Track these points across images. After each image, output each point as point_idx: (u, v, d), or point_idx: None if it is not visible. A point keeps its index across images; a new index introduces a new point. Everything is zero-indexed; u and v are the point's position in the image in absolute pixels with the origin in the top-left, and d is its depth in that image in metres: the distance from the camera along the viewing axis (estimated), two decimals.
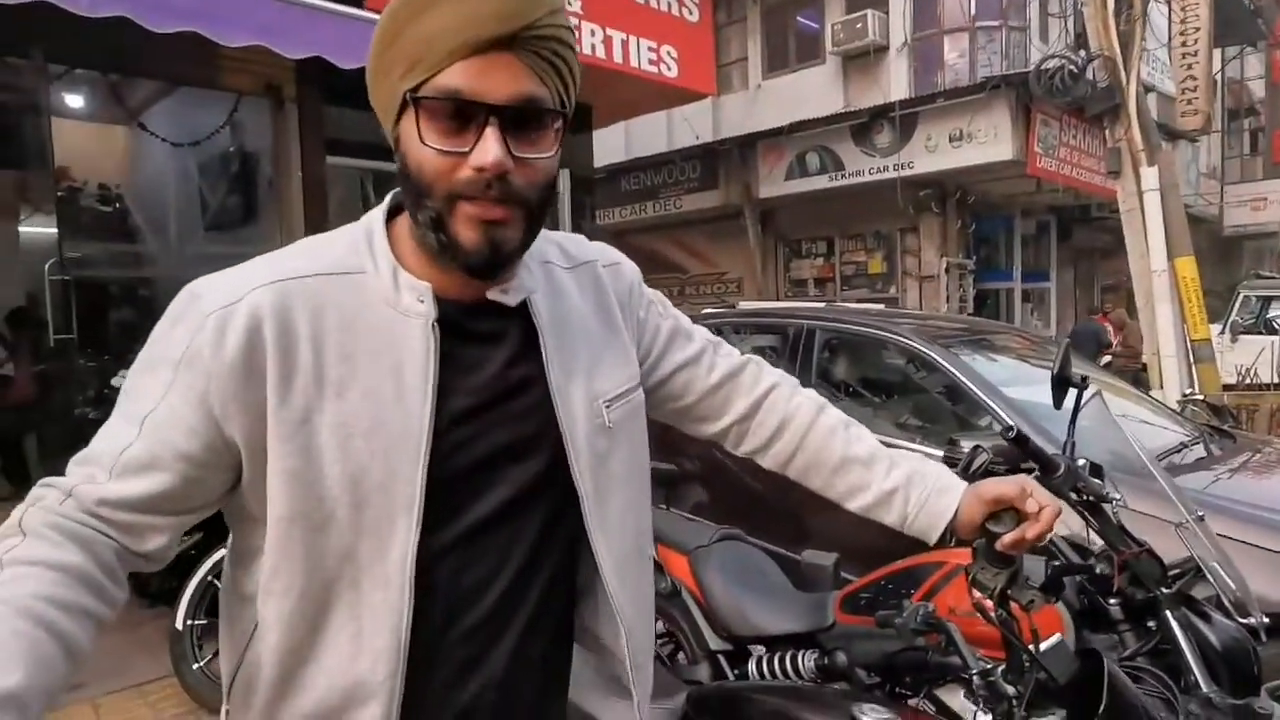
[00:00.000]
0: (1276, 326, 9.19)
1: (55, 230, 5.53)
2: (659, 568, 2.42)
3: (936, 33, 10.06)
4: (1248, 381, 6.74)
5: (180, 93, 5.15)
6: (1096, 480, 1.60)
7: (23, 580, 0.68)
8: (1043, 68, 6.24)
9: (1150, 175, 5.13)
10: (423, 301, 0.82)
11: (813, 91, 11.07)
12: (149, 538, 0.79)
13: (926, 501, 1.03)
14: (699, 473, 3.74)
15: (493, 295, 0.86)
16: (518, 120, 0.76)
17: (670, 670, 2.26)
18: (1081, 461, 1.58)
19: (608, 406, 0.92)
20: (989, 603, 1.12)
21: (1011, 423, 2.81)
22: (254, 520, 0.81)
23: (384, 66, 0.78)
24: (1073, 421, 1.62)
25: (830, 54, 10.94)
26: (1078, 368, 1.68)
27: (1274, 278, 10.91)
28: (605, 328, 0.97)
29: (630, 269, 1.06)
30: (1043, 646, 1.19)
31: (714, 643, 2.23)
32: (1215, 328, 5.71)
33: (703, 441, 3.44)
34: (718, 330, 4.34)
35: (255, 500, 0.80)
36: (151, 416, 0.77)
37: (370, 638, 0.80)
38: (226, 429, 0.77)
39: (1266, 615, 1.62)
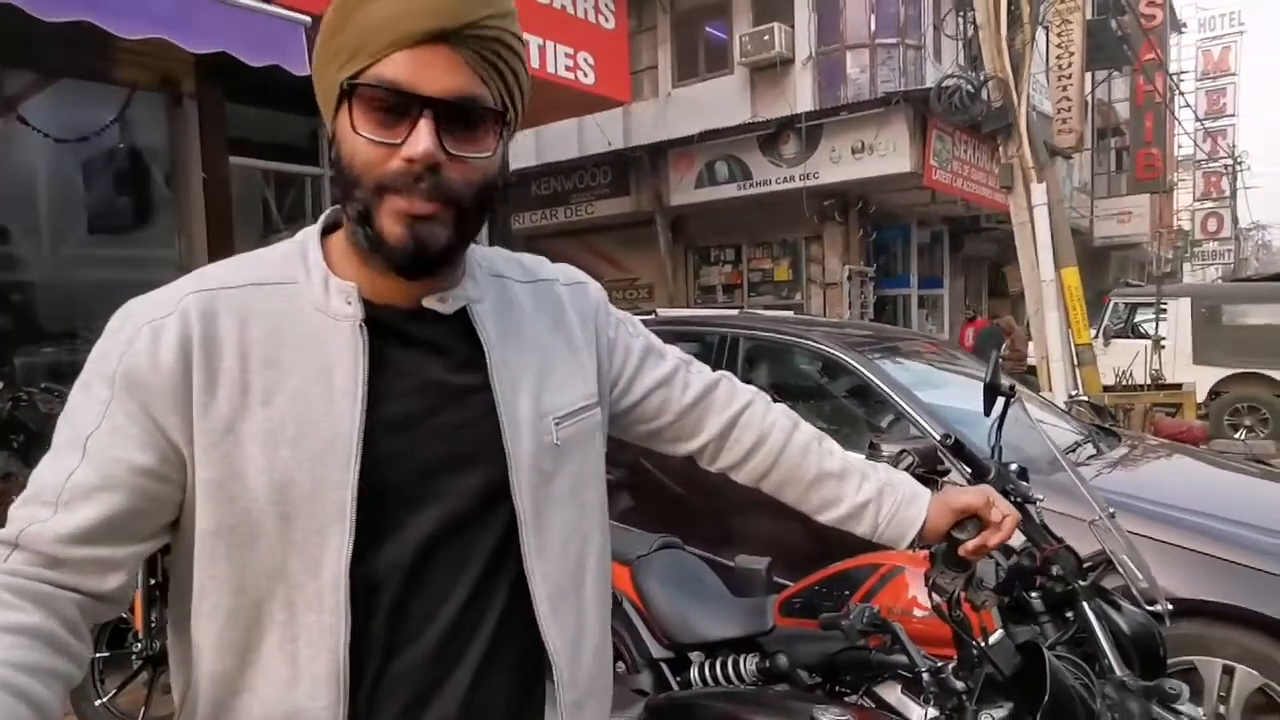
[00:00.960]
0: (1144, 331, 9.96)
1: None
2: None
3: (839, 48, 10.45)
4: (1124, 383, 7.31)
5: (65, 85, 4.81)
6: (1024, 483, 1.71)
7: None
8: (942, 86, 6.59)
9: (1039, 191, 5.50)
10: (350, 303, 0.80)
11: (722, 101, 11.30)
12: (108, 575, 0.74)
13: (897, 512, 1.07)
14: (626, 480, 3.76)
15: (428, 303, 0.84)
16: (452, 115, 0.75)
17: (620, 681, 2.26)
18: (1014, 466, 1.68)
19: (558, 424, 0.89)
20: (943, 603, 1.19)
21: (930, 428, 2.96)
22: (186, 544, 0.78)
23: (327, 57, 0.77)
24: (999, 427, 1.72)
25: (739, 64, 11.20)
26: (977, 368, 1.79)
27: (1141, 286, 11.84)
28: (561, 344, 0.94)
29: (596, 289, 1.05)
30: (989, 642, 1.27)
31: (656, 651, 2.26)
32: (1090, 332, 6.16)
33: (629, 449, 3.47)
34: None
35: (188, 517, 0.77)
36: (95, 436, 0.73)
37: (307, 662, 0.76)
38: (173, 438, 0.74)
39: (1167, 626, 1.77)
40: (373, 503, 0.77)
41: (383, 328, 0.81)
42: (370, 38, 0.73)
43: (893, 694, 1.84)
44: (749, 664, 2.08)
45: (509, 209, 7.49)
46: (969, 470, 1.69)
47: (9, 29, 3.26)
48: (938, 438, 1.77)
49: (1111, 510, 1.86)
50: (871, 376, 3.33)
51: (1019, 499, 1.74)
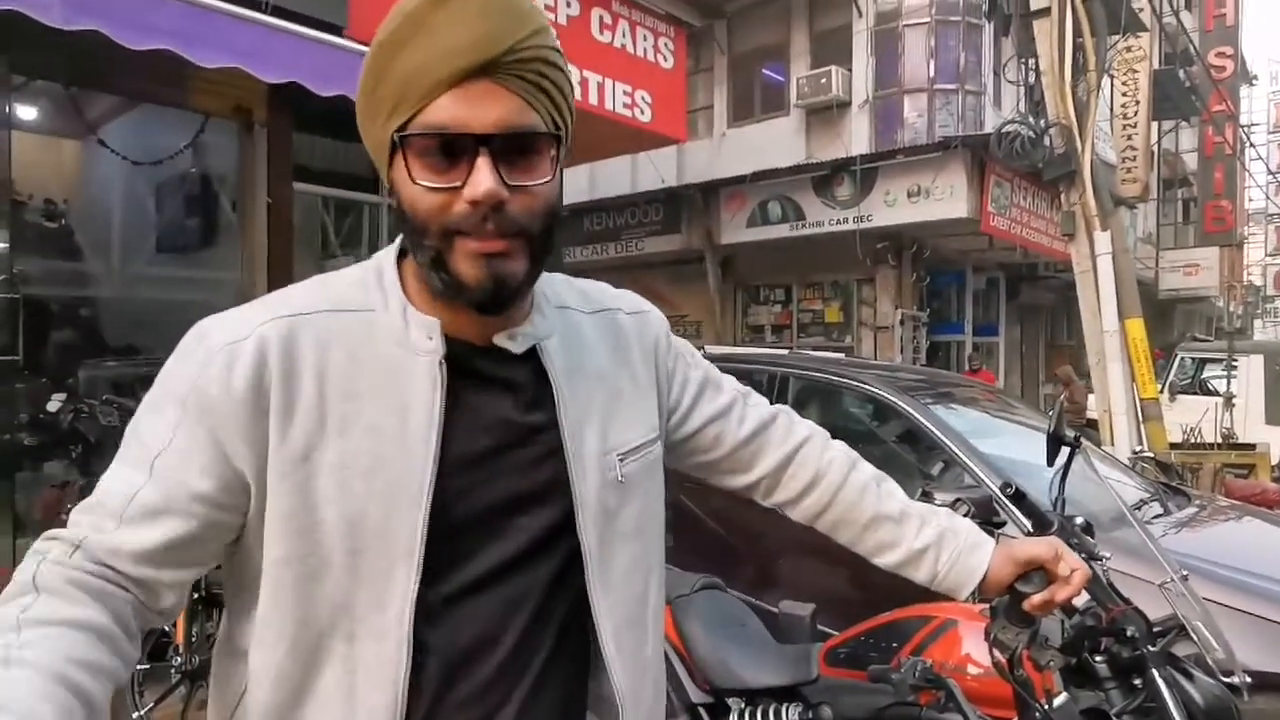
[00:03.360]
0: (1213, 388, 9.57)
1: (5, 245, 5.32)
2: None
3: (897, 92, 10.42)
4: (1192, 441, 6.99)
5: (144, 110, 5.03)
6: (1089, 538, 1.62)
7: (46, 641, 0.63)
8: (1003, 131, 6.51)
9: (1103, 239, 5.35)
10: (431, 339, 0.79)
11: (776, 141, 11.34)
12: (162, 595, 0.74)
13: (958, 560, 1.02)
14: (667, 519, 3.69)
15: (500, 341, 0.83)
16: (508, 148, 0.74)
17: None
18: (1079, 520, 1.59)
19: (621, 460, 0.88)
20: (1004, 661, 1.11)
21: (987, 477, 2.85)
22: (253, 567, 0.77)
23: (371, 112, 0.77)
24: (1063, 479, 1.64)
25: (795, 106, 11.24)
26: (1033, 417, 1.70)
27: (1209, 340, 11.41)
28: (625, 377, 0.93)
29: (658, 319, 1.03)
30: (1053, 705, 1.19)
31: (695, 695, 2.18)
32: (1156, 386, 5.93)
33: (672, 487, 3.41)
34: None
35: (255, 544, 0.76)
36: (162, 457, 0.73)
37: (365, 695, 0.75)
38: (238, 466, 0.74)
39: (1246, 700, 1.64)
40: (439, 539, 0.77)
41: (458, 364, 0.80)
42: (412, 86, 0.72)
43: None
44: (791, 714, 2.00)
45: (560, 244, 7.57)
46: (1029, 522, 1.61)
47: (94, 54, 3.42)
48: (995, 486, 1.69)
49: (1185, 572, 1.75)
50: (924, 421, 3.24)
51: (1084, 555, 1.65)
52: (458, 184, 0.73)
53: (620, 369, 0.94)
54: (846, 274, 11.62)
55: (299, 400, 0.75)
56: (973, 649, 1.82)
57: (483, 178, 0.72)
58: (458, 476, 0.78)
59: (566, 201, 8.71)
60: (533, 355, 0.85)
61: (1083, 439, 1.67)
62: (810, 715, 1.97)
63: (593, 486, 0.85)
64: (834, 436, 4.19)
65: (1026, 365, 14.69)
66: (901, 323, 11.20)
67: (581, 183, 12.26)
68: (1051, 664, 1.11)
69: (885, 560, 1.06)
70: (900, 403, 3.33)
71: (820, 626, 2.46)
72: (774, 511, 3.66)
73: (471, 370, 0.82)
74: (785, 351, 4.84)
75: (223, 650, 0.83)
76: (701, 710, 2.15)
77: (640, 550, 0.90)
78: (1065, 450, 1.62)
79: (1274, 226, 29.53)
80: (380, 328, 0.79)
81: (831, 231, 10.72)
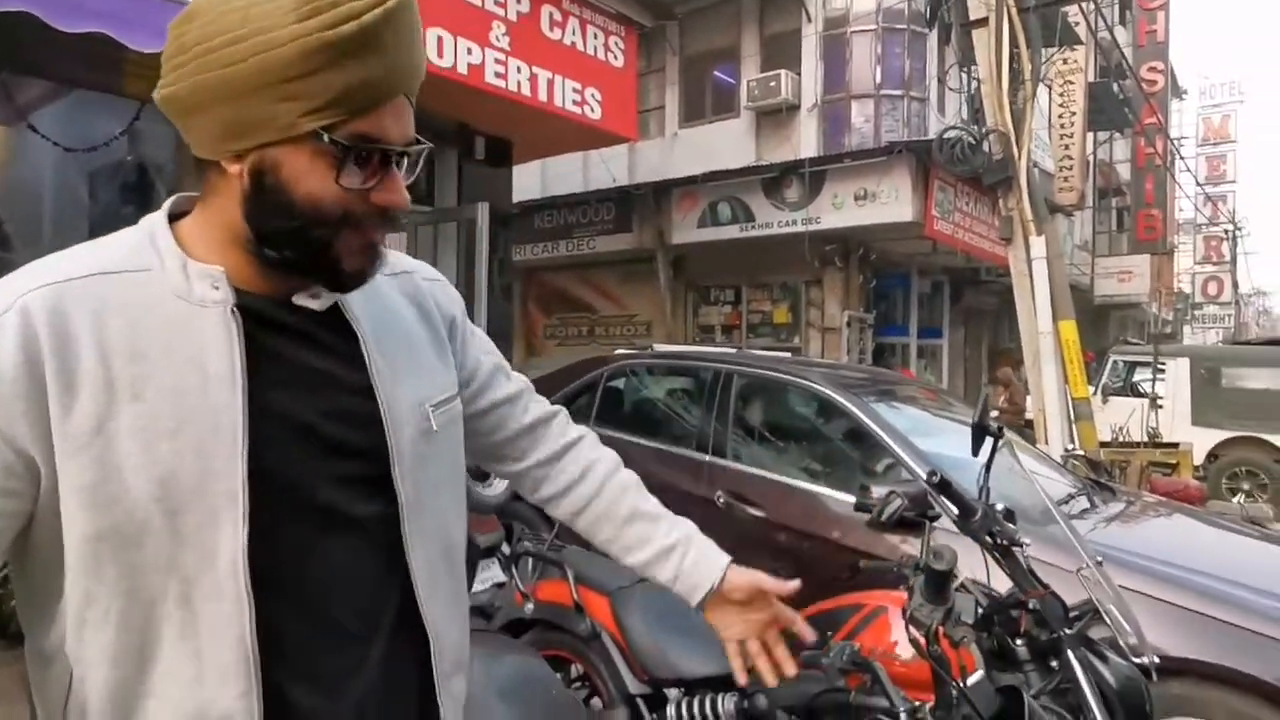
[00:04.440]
0: (1142, 390, 9.95)
1: None
2: (579, 609, 2.38)
3: (844, 97, 10.61)
4: (1121, 439, 7.27)
5: (77, 95, 4.86)
6: (1011, 525, 1.68)
7: None
8: (945, 137, 6.69)
9: (1038, 244, 5.53)
10: (218, 288, 0.79)
11: (727, 143, 11.44)
12: None
13: (699, 561, 1.09)
14: None
15: (301, 300, 0.84)
16: (403, 158, 0.81)
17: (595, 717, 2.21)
18: (1000, 507, 1.65)
19: (434, 410, 0.92)
20: (921, 638, 1.15)
21: (921, 471, 2.93)
22: (50, 555, 0.74)
23: (273, 92, 0.74)
24: (988, 468, 1.70)
25: (745, 108, 11.36)
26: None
27: (1140, 344, 11.86)
28: (426, 335, 0.97)
29: (457, 295, 1.07)
30: (968, 682, 1.23)
31: (633, 686, 2.20)
32: (1088, 387, 6.15)
33: None
34: (633, 371, 4.41)
35: (49, 528, 0.73)
36: None
37: (214, 656, 0.75)
38: (20, 447, 0.71)
39: (1154, 680, 1.72)
40: (261, 491, 0.76)
41: (256, 315, 0.80)
42: (354, 95, 0.75)
43: None
44: (727, 703, 2.03)
45: (510, 240, 7.52)
46: (955, 510, 1.67)
47: (24, 37, 3.30)
48: (923, 482, 1.74)
49: (1100, 559, 1.83)
50: (864, 417, 3.31)
51: (1006, 541, 1.72)
52: (370, 186, 0.79)
53: (422, 327, 0.97)
54: (795, 276, 11.77)
55: (79, 370, 0.72)
56: (901, 635, 1.87)
57: (400, 188, 0.81)
58: (269, 426, 0.78)
59: (517, 199, 8.66)
60: (335, 313, 0.87)
61: (1005, 429, 1.73)
62: (745, 704, 2.00)
63: (408, 437, 0.87)
64: (778, 434, 4.22)
65: (970, 368, 15.08)
66: (848, 324, 11.39)
67: (533, 180, 12.20)
68: (965, 640, 1.15)
69: (636, 557, 1.10)
70: (839, 398, 3.40)
71: None
72: (716, 510, 3.69)
73: (272, 322, 0.82)
74: (734, 350, 4.90)
75: (33, 654, 0.80)
76: (639, 701, 2.16)
77: (450, 497, 0.95)
78: (989, 440, 1.68)
79: (1202, 236, 30.82)
80: (159, 285, 0.78)
81: (780, 233, 10.85)
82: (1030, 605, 1.50)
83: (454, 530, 0.96)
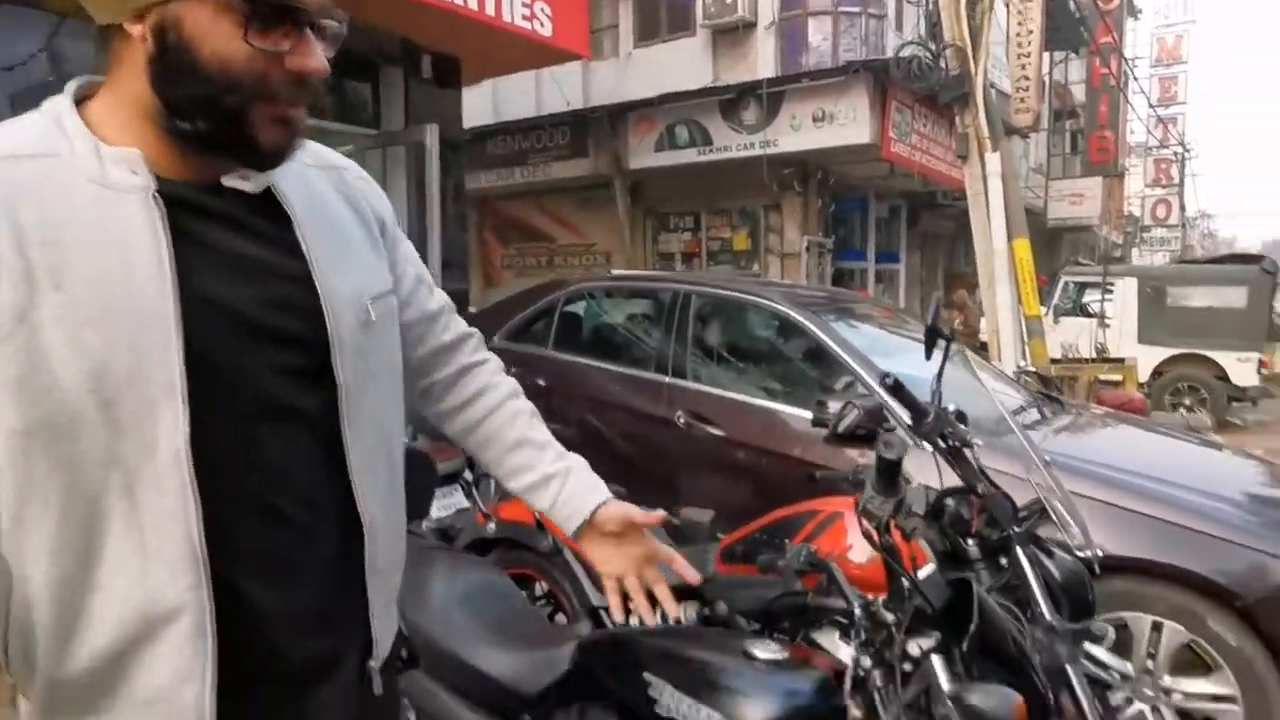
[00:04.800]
0: (1091, 310, 10.18)
1: None
2: (540, 527, 2.38)
3: (802, 13, 10.35)
4: (1070, 356, 7.47)
5: None
6: (962, 426, 1.70)
7: None
8: (901, 54, 6.58)
9: (994, 160, 5.54)
10: (136, 173, 0.76)
11: (683, 64, 11.15)
12: None
13: (578, 492, 1.10)
14: (573, 439, 3.72)
15: (230, 182, 0.81)
16: (323, 28, 0.80)
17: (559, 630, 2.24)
18: (951, 407, 1.67)
19: (372, 302, 0.91)
20: (873, 530, 1.17)
21: (875, 384, 2.97)
22: None
23: None
24: (940, 372, 1.71)
25: (701, 26, 11.04)
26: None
27: (1090, 265, 12.09)
28: (359, 230, 0.95)
29: (385, 197, 1.05)
30: (919, 575, 1.26)
31: (595, 599, 2.23)
32: (1039, 306, 6.27)
33: (579, 407, 3.37)
34: (591, 295, 4.36)
35: None
36: None
37: (159, 548, 0.74)
38: None
39: (1096, 573, 1.78)
40: (198, 379, 0.75)
41: (180, 201, 0.77)
42: None
43: (830, 640, 1.84)
44: (688, 611, 2.06)
45: (463, 166, 7.30)
46: (908, 413, 1.68)
47: None
48: (877, 385, 1.76)
49: (1048, 459, 1.87)
50: (821, 335, 3.33)
51: (957, 442, 1.74)
52: (284, 50, 0.76)
53: (354, 222, 0.94)
54: (754, 201, 11.68)
55: None
56: (856, 539, 1.91)
57: (317, 53, 0.78)
58: (205, 313, 0.76)
59: (468, 124, 8.37)
60: (267, 201, 0.84)
61: (956, 333, 1.74)
62: (706, 611, 2.04)
63: (347, 326, 0.86)
64: (736, 354, 4.22)
65: (926, 292, 15.26)
66: (808, 250, 11.39)
67: (484, 105, 11.81)
68: (916, 531, 1.17)
69: (520, 482, 1.12)
70: (797, 316, 3.41)
71: (720, 535, 2.54)
72: (677, 430, 3.69)
73: (199, 209, 0.79)
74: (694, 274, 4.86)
75: None
76: (602, 612, 2.20)
77: (388, 392, 0.95)
78: (942, 344, 1.68)
79: (1152, 159, 31.22)
80: (70, 171, 0.74)
81: (739, 157, 10.70)
82: (980, 491, 1.53)
83: (392, 426, 0.96)
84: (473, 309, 5.87)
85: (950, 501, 1.41)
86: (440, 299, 1.13)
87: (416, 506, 1.91)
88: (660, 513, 1.09)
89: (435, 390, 1.12)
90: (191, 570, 0.74)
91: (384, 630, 0.96)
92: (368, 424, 0.89)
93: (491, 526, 2.47)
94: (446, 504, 3.53)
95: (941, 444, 1.75)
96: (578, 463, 1.13)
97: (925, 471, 1.73)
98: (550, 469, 1.10)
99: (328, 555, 0.86)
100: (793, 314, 3.47)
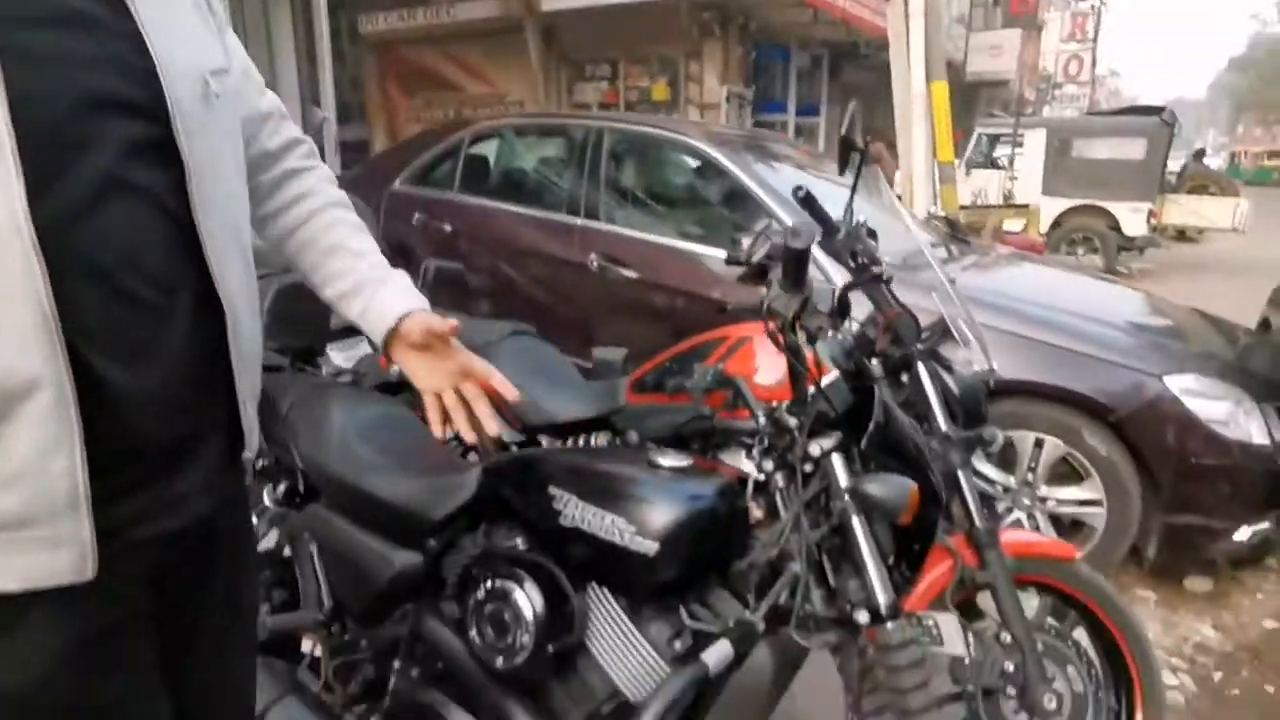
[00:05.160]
0: (1001, 163, 10.35)
1: None
2: None
3: None
4: (979, 203, 7.64)
5: None
6: (872, 242, 1.68)
7: None
8: None
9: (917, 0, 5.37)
10: None
11: None
12: None
13: (387, 302, 1.05)
14: (484, 284, 3.61)
15: None
16: None
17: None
18: (863, 220, 1.64)
19: (212, 75, 0.85)
20: (777, 329, 1.14)
21: (787, 218, 2.93)
22: None
23: None
24: (854, 186, 1.67)
25: None
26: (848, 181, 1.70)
27: (1003, 117, 12.19)
28: (192, 5, 0.89)
29: None
30: (823, 382, 1.25)
31: (507, 435, 2.21)
32: (953, 151, 6.30)
33: (488, 251, 3.21)
34: (499, 134, 4.12)
35: None
36: None
37: (8, 317, 0.70)
38: None
39: (992, 387, 1.84)
40: (33, 144, 0.70)
41: None
42: None
43: (738, 460, 1.87)
44: (599, 442, 2.07)
45: (354, 4, 6.67)
46: (819, 227, 1.65)
47: None
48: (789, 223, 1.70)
49: (953, 278, 1.89)
50: (739, 172, 3.26)
51: (866, 259, 1.73)
52: None
53: None
54: (673, 48, 11.16)
55: None
56: (764, 361, 1.92)
57: None
58: (25, 71, 0.70)
59: None
60: None
61: (872, 142, 1.69)
62: (617, 441, 2.05)
63: (187, 95, 0.81)
64: (652, 195, 4.11)
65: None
66: (728, 100, 11.08)
67: None
68: (822, 330, 1.15)
69: (333, 289, 1.07)
70: (715, 153, 3.31)
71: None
72: (591, 274, 3.61)
73: None
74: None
75: None
76: (514, 448, 2.18)
77: (235, 176, 0.91)
78: (856, 156, 1.63)
79: (1069, 12, 31.12)
80: None
81: (658, 1, 10.11)
82: (884, 276, 1.52)
83: (241, 214, 0.93)
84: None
85: (855, 314, 1.39)
86: (272, 101, 1.07)
87: (310, 338, 1.81)
88: (453, 321, 1.05)
89: (258, 194, 1.05)
90: (46, 342, 0.71)
91: (251, 424, 0.95)
92: (218, 207, 0.85)
93: (395, 369, 2.38)
94: (350, 355, 3.41)
95: (851, 263, 1.73)
96: (396, 275, 1.09)
97: None
98: (363, 277, 1.06)
99: (185, 338, 0.83)
100: (710, 151, 3.36)
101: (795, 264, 1.05)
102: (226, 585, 1.00)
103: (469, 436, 1.08)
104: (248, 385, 0.92)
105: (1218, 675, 2.46)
